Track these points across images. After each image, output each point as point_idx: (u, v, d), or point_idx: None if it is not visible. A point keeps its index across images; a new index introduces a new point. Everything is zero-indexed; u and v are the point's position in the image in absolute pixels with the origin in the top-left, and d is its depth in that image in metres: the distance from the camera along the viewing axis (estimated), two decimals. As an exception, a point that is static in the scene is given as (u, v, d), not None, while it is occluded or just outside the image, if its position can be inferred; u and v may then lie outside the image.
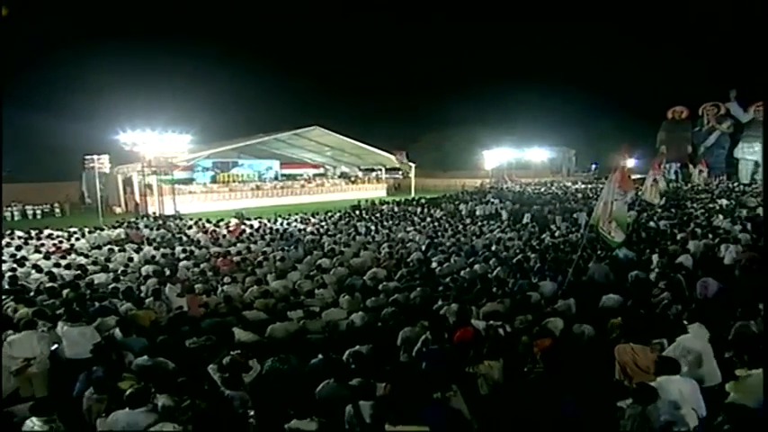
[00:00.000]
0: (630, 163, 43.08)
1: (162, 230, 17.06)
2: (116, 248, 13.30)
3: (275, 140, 40.64)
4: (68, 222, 20.77)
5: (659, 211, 18.60)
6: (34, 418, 3.76)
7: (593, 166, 53.10)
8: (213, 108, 49.50)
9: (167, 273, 9.61)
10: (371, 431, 3.80)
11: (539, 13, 78.31)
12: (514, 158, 48.61)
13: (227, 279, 9.12)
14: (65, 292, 7.87)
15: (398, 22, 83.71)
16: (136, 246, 13.33)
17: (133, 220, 20.19)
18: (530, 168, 51.18)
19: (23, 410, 4.73)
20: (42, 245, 14.57)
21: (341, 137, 39.45)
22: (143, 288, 8.62)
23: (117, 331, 5.77)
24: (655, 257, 9.34)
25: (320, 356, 5.24)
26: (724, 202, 21.53)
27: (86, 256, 12.36)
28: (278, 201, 36.19)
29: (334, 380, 4.47)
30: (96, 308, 6.69)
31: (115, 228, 16.91)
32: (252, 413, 3.86)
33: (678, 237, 12.16)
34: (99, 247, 13.91)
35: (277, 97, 61.93)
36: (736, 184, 33.92)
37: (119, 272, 10.16)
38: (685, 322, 4.94)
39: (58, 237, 16.04)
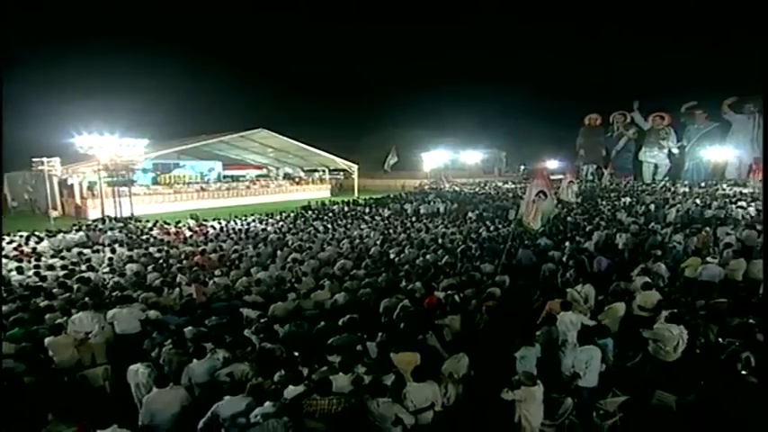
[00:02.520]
0: (554, 164, 47.77)
1: (123, 232, 17.53)
2: (87, 250, 13.89)
3: (220, 142, 40.67)
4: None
5: (575, 207, 21.74)
6: (139, 364, 5.12)
7: (522, 168, 57.58)
8: (154, 108, 48.29)
9: (164, 268, 10.67)
10: (376, 361, 5.55)
11: (472, 23, 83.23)
12: (450, 160, 51.88)
13: (217, 272, 10.40)
14: (74, 286, 8.85)
15: (340, 25, 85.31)
16: (110, 248, 13.94)
17: (91, 222, 20.27)
18: (465, 170, 54.50)
19: (93, 374, 6.02)
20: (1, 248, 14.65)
21: (286, 139, 40.23)
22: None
23: (151, 312, 7.07)
24: (567, 244, 11.86)
25: (323, 323, 6.90)
26: (627, 199, 25.33)
27: (62, 258, 12.92)
28: (223, 202, 36.10)
29: (343, 333, 6.16)
30: (119, 296, 7.86)
31: (77, 231, 17.15)
32: (297, 354, 5.45)
33: (587, 228, 14.97)
34: (69, 250, 14.35)
35: (217, 98, 61.34)
36: (639, 183, 39.03)
37: (107, 270, 11.06)
38: (579, 286, 7.21)
39: (10, 241, 16.02)
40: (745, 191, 27.06)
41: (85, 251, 13.93)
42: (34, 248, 14.86)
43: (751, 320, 6.37)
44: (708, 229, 13.23)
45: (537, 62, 70.75)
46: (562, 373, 5.48)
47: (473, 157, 54.65)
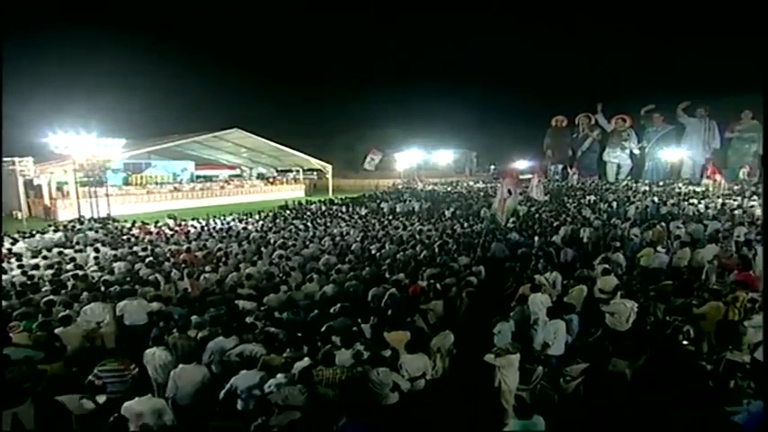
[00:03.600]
0: (524, 164, 49.43)
1: (102, 233, 17.52)
2: (68, 250, 13.94)
3: (193, 142, 40.24)
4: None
5: (544, 205, 22.95)
6: (155, 348, 5.59)
7: (492, 167, 59.27)
8: (127, 107, 47.31)
9: (155, 265, 10.98)
10: (371, 341, 6.19)
11: (443, 23, 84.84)
12: (423, 160, 52.92)
13: (208, 268, 10.80)
14: (69, 283, 9.13)
15: (314, 23, 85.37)
16: (92, 247, 14.05)
17: (68, 223, 20.08)
18: (437, 169, 55.64)
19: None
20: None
21: (260, 139, 40.15)
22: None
23: (154, 304, 7.50)
24: (536, 238, 12.82)
25: (316, 311, 7.49)
26: (592, 197, 26.81)
27: (45, 258, 12.97)
28: (197, 202, 35.79)
29: (340, 317, 6.78)
30: (120, 290, 8.22)
31: (54, 231, 17.05)
32: (300, 334, 6.03)
33: (554, 224, 16.04)
34: (49, 250, 14.33)
35: (189, 97, 60.50)
36: (603, 182, 41.02)
37: (95, 269, 11.27)
38: (548, 273, 8.07)
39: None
40: (698, 189, 29.09)
41: (66, 251, 13.97)
42: (10, 249, 14.77)
43: (694, 302, 7.36)
44: (663, 223, 14.50)
45: (506, 63, 72.94)
46: (534, 348, 6.28)
47: (445, 157, 55.94)
